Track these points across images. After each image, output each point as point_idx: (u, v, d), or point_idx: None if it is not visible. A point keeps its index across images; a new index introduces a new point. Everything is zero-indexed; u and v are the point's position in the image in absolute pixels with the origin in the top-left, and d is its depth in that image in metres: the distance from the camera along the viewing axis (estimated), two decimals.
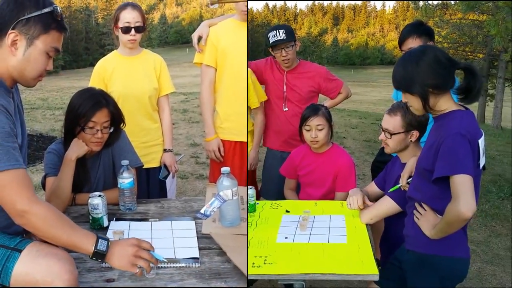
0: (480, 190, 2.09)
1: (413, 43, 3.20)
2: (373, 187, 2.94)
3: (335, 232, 2.54)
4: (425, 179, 2.18)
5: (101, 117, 2.69)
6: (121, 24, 3.39)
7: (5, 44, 1.90)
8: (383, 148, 3.50)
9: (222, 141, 3.58)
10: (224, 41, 3.40)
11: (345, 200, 2.81)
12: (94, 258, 1.88)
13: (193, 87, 18.65)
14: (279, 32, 3.52)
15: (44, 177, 2.80)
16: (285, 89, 3.69)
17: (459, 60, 2.28)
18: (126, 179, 2.64)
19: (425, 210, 2.22)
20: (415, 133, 2.66)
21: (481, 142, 2.13)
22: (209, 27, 3.49)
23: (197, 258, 2.12)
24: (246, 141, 3.55)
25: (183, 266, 2.07)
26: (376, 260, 2.26)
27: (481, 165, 2.16)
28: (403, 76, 2.16)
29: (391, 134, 2.67)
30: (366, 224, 2.64)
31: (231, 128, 3.53)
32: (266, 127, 3.87)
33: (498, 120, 20.10)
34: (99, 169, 2.87)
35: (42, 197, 3.82)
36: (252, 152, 3.73)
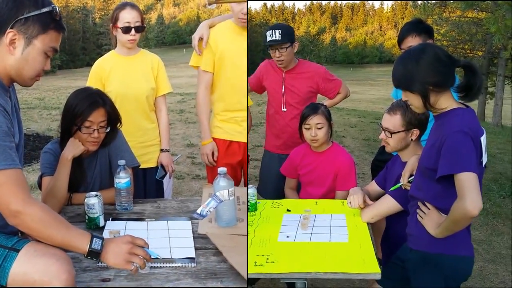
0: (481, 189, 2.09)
1: (412, 41, 3.20)
2: (373, 186, 2.94)
3: (336, 231, 2.54)
4: (428, 178, 2.18)
5: (97, 117, 2.69)
6: (120, 24, 3.39)
7: (3, 43, 1.90)
8: (383, 147, 3.49)
9: (217, 140, 3.57)
10: (222, 46, 3.38)
11: (346, 199, 2.82)
12: (89, 257, 1.87)
13: (189, 87, 18.65)
14: (275, 32, 3.52)
15: (40, 177, 2.80)
16: (283, 90, 3.68)
17: (458, 58, 2.29)
18: (123, 179, 2.64)
19: (429, 209, 2.21)
20: (416, 132, 2.66)
21: (483, 139, 2.13)
22: (209, 27, 3.48)
23: (193, 258, 2.12)
24: (240, 141, 3.53)
25: (179, 266, 2.07)
26: (378, 259, 2.26)
27: (484, 163, 2.16)
28: (403, 74, 2.16)
29: (391, 133, 2.67)
30: (367, 223, 2.65)
31: (227, 128, 3.52)
32: (266, 129, 3.87)
33: (498, 118, 20.11)
34: (96, 168, 2.87)
35: (38, 196, 3.82)
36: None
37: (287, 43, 3.54)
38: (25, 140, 8.08)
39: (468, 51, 21.86)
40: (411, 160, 2.54)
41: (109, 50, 3.69)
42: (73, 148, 2.68)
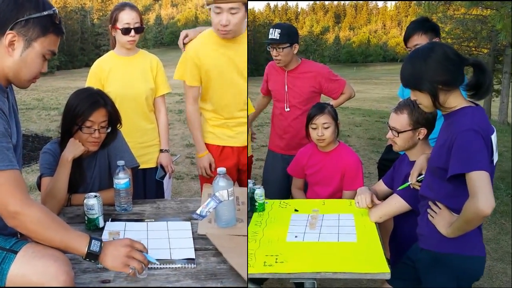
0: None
1: (418, 39, 3.19)
2: (381, 186, 2.93)
3: (344, 230, 2.55)
4: (438, 178, 2.17)
5: (98, 117, 2.68)
6: (120, 25, 3.38)
7: (1, 44, 1.89)
8: (389, 146, 3.47)
9: (210, 146, 3.54)
10: (207, 61, 3.29)
11: (353, 198, 2.82)
12: (87, 259, 1.87)
13: None
14: (275, 31, 3.52)
15: (40, 178, 2.80)
16: (286, 89, 3.67)
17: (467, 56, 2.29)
18: (122, 180, 2.63)
19: (440, 208, 2.20)
20: (423, 131, 2.65)
21: (494, 138, 2.12)
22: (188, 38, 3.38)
23: (193, 259, 2.12)
24: (233, 146, 3.50)
25: (179, 267, 2.07)
26: (386, 259, 2.24)
27: (494, 162, 2.15)
28: (412, 73, 2.16)
29: (399, 132, 2.66)
30: (375, 223, 2.65)
31: (219, 133, 3.49)
32: (270, 129, 3.87)
33: (505, 115, 19.96)
34: (95, 169, 2.86)
35: (37, 197, 3.81)
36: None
37: (286, 43, 3.53)
38: (23, 140, 8.05)
39: (473, 48, 21.72)
40: (419, 159, 2.53)
41: (107, 50, 3.68)
42: (73, 149, 2.68)
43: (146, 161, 3.47)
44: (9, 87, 2.03)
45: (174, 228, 2.47)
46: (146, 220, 2.57)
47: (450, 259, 2.21)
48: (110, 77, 3.46)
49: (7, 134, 1.85)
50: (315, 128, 3.17)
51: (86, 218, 2.45)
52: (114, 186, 2.66)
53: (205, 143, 3.54)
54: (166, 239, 2.34)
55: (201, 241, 2.32)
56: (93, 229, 2.43)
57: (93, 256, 1.86)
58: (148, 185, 3.55)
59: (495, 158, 2.15)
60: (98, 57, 3.69)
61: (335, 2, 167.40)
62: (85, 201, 2.44)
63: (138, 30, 3.41)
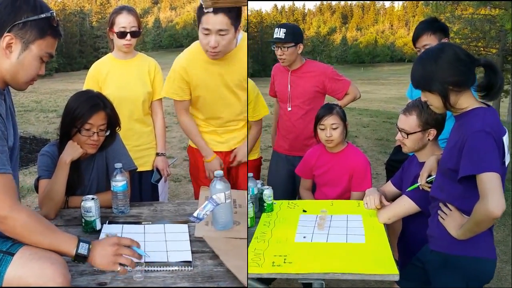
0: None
1: (427, 39, 3.18)
2: (390, 187, 2.92)
3: (353, 231, 2.54)
4: (449, 179, 2.16)
5: (98, 120, 2.69)
6: (116, 28, 3.39)
7: (0, 47, 1.89)
8: (397, 147, 3.43)
9: (196, 149, 3.53)
10: (195, 78, 3.26)
11: (361, 199, 2.81)
12: (76, 261, 1.89)
13: None
14: (280, 30, 3.53)
15: (37, 180, 2.80)
16: (289, 89, 3.67)
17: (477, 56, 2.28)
18: (120, 182, 2.64)
19: (451, 210, 2.19)
20: (433, 132, 2.63)
21: (506, 139, 2.10)
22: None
23: (190, 262, 2.12)
24: (222, 150, 3.50)
25: (175, 270, 2.07)
26: (395, 260, 2.23)
27: (506, 163, 2.13)
28: (422, 74, 2.15)
29: (408, 134, 2.64)
30: (384, 224, 2.64)
31: (207, 138, 3.48)
32: (276, 130, 3.87)
33: None
34: (93, 172, 2.87)
35: (35, 199, 3.81)
36: (239, 149, 3.56)
37: (290, 42, 3.54)
38: (21, 143, 7.97)
39: (482, 48, 21.49)
40: (429, 160, 2.52)
41: (106, 53, 3.68)
42: (72, 152, 2.68)
43: (142, 164, 3.47)
44: (6, 89, 2.03)
45: (171, 231, 2.47)
46: (143, 223, 2.57)
47: (460, 261, 2.19)
48: (107, 80, 3.46)
49: (3, 137, 1.86)
50: (323, 129, 3.15)
51: (83, 221, 2.45)
52: (112, 188, 2.66)
53: (194, 148, 3.55)
54: (163, 241, 2.34)
55: (198, 244, 2.32)
56: (90, 231, 2.43)
57: (81, 258, 1.88)
58: (144, 188, 3.55)
59: (507, 159, 2.13)
60: (96, 60, 3.68)
61: (342, 3, 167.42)
62: (82, 203, 2.44)
63: (134, 34, 3.42)
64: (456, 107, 2.13)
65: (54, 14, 1.98)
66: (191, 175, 3.75)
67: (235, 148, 3.50)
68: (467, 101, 2.12)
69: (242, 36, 3.25)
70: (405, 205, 2.60)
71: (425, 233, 2.39)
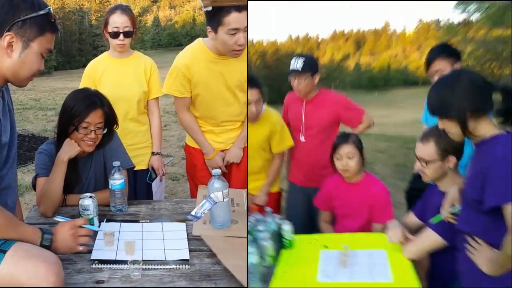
0: None
1: (440, 64, 3.14)
2: (412, 218, 2.81)
3: (378, 268, 2.39)
4: (475, 210, 2.04)
5: (95, 118, 2.69)
6: (110, 28, 3.38)
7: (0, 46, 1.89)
8: (416, 174, 3.27)
9: (192, 149, 3.55)
10: (197, 76, 3.26)
11: (383, 231, 2.70)
12: None
13: None
14: (297, 61, 3.48)
15: (35, 178, 2.80)
16: (303, 119, 3.63)
17: (494, 82, 2.18)
18: (118, 180, 2.64)
19: (479, 244, 2.06)
20: (452, 159, 2.53)
21: None
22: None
23: (187, 260, 2.13)
24: (218, 148, 3.51)
25: (173, 268, 2.08)
26: None
27: None
28: (439, 101, 2.09)
29: (427, 163, 2.55)
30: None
31: (207, 138, 3.48)
32: (289, 160, 3.80)
33: None
34: (90, 170, 2.87)
35: (33, 197, 3.81)
36: (260, 193, 3.61)
37: (308, 72, 3.49)
38: (20, 141, 7.94)
39: (495, 69, 21.54)
40: (451, 190, 2.40)
41: (105, 51, 3.68)
42: (69, 150, 2.68)
43: (137, 163, 3.43)
44: (4, 87, 2.03)
45: (169, 229, 2.47)
46: (141, 221, 2.57)
47: None
48: (103, 79, 3.46)
49: None
50: (339, 159, 3.06)
51: None
52: (110, 186, 2.66)
53: (191, 147, 3.56)
54: (161, 240, 2.35)
55: (195, 242, 2.33)
56: None
57: (45, 248, 1.96)
58: (139, 187, 3.53)
59: None
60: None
61: (355, 30, 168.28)
62: (80, 201, 2.44)
63: (127, 34, 3.40)
64: (475, 134, 2.05)
65: (52, 9, 1.98)
66: (188, 174, 3.74)
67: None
68: (486, 128, 2.04)
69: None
70: (431, 240, 2.45)
71: (454, 268, 2.27)
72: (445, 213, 2.34)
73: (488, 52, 19.82)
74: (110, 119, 2.79)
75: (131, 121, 3.51)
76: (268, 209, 2.76)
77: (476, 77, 2.08)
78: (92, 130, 2.68)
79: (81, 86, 3.34)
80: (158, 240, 2.34)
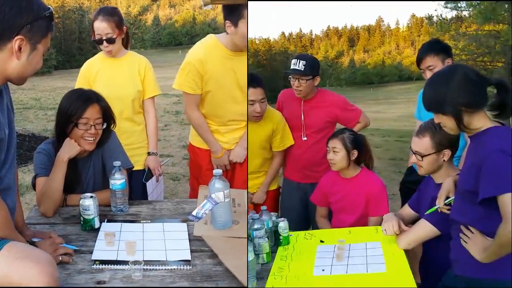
0: None
1: (431, 61, 3.21)
2: (407, 210, 2.84)
3: (373, 260, 2.44)
4: (469, 201, 2.10)
5: (93, 113, 2.68)
6: (95, 34, 3.39)
7: (6, 48, 1.87)
8: (410, 168, 3.41)
9: (197, 148, 3.57)
10: (211, 72, 3.28)
11: (379, 225, 2.75)
12: None
13: None
14: (299, 62, 3.49)
15: (34, 178, 2.79)
16: (303, 119, 3.65)
17: (489, 76, 2.21)
18: (118, 181, 2.63)
19: (473, 233, 2.12)
20: (447, 152, 2.59)
21: None
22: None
23: (189, 261, 2.12)
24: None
25: (174, 269, 2.07)
26: (417, 284, 2.16)
27: None
28: (434, 97, 2.13)
29: (422, 156, 2.60)
30: (404, 249, 2.55)
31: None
32: (285, 157, 3.80)
33: None
34: (89, 170, 2.86)
35: (33, 197, 3.80)
36: (258, 191, 3.66)
37: (309, 75, 3.50)
38: (20, 140, 7.95)
39: (488, 63, 21.70)
40: (446, 182, 2.46)
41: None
42: (69, 149, 2.67)
43: (133, 163, 3.44)
44: (4, 86, 2.02)
45: (170, 230, 2.46)
46: (142, 221, 2.56)
47: (487, 285, 2.10)
48: (97, 79, 3.46)
49: None
50: (328, 152, 3.14)
51: (81, 219, 2.44)
52: (110, 186, 2.65)
53: (196, 147, 3.57)
54: (162, 240, 2.34)
55: (197, 243, 2.32)
56: (89, 229, 2.43)
57: None
58: (134, 188, 3.49)
59: None
60: None
61: (348, 26, 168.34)
62: (81, 201, 2.43)
63: (110, 41, 3.38)
64: (470, 128, 2.10)
65: (52, 9, 1.99)
66: (191, 173, 3.74)
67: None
68: (481, 121, 2.09)
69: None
70: (425, 229, 2.52)
71: (446, 256, 2.33)
72: (441, 203, 2.40)
73: (480, 47, 20.01)
74: (108, 115, 2.79)
75: (126, 121, 3.49)
76: (263, 207, 2.82)
77: (470, 71, 2.11)
78: (92, 125, 2.67)
79: (76, 86, 3.35)
80: (159, 241, 2.33)
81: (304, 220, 3.70)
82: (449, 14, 19.65)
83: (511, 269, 2.08)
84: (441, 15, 19.68)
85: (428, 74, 3.15)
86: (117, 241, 2.29)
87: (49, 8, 1.94)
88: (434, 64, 3.18)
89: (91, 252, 2.19)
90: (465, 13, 19.55)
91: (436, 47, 3.28)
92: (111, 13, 3.42)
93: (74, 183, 2.77)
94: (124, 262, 2.08)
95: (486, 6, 12.48)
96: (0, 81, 1.95)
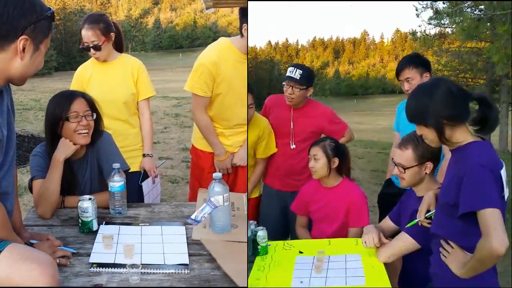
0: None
1: (409, 73, 3.27)
2: (388, 223, 2.83)
3: (352, 273, 2.41)
4: (449, 215, 2.11)
5: (81, 105, 2.70)
6: (83, 42, 3.42)
7: (10, 48, 1.87)
8: (388, 180, 3.43)
9: (200, 151, 3.58)
10: (224, 75, 3.32)
11: (359, 236, 2.73)
12: None
13: (185, 91, 18.55)
14: (296, 71, 3.50)
15: (31, 180, 2.78)
16: (292, 126, 3.65)
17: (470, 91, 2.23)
18: (117, 183, 2.62)
19: (452, 247, 2.13)
20: (429, 165, 2.60)
21: (503, 172, 2.07)
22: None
23: (187, 265, 2.11)
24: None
25: (172, 272, 2.06)
26: None
27: (505, 197, 2.09)
28: (417, 109, 2.15)
29: (405, 169, 2.60)
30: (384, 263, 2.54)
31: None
32: (267, 164, 3.79)
33: (505, 144, 20.08)
34: (86, 172, 2.85)
35: (31, 198, 3.78)
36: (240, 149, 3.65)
37: (304, 85, 3.51)
38: (20, 141, 7.95)
39: (470, 79, 21.99)
40: (427, 195, 2.46)
41: None
42: (65, 149, 2.66)
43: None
44: (5, 87, 2.02)
45: (168, 233, 2.45)
46: (140, 224, 2.55)
47: None
48: (91, 83, 3.48)
49: None
50: (310, 159, 3.16)
51: (80, 221, 2.43)
52: (109, 189, 2.64)
53: (199, 150, 3.58)
54: (160, 243, 2.33)
55: (195, 247, 2.31)
56: (87, 232, 2.42)
57: None
58: (130, 190, 3.49)
59: (506, 193, 2.09)
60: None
61: (334, 38, 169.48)
62: (79, 203, 2.42)
63: (96, 48, 3.40)
64: (452, 141, 2.12)
65: (53, 10, 1.99)
66: (192, 176, 3.74)
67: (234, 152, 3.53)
68: (463, 135, 2.11)
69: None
70: (405, 243, 2.50)
71: (426, 270, 2.32)
72: (421, 216, 2.40)
73: (463, 63, 20.37)
74: (95, 107, 2.81)
75: (120, 123, 3.49)
76: None
77: (453, 86, 2.14)
78: (82, 116, 2.68)
79: (70, 89, 3.34)
80: (157, 244, 2.32)
81: (283, 227, 3.68)
82: (433, 30, 20.17)
83: (489, 283, 2.12)
84: (424, 31, 20.33)
85: (406, 86, 3.25)
86: (115, 244, 2.28)
87: (50, 9, 1.95)
88: (413, 76, 3.25)
89: (89, 255, 2.18)
90: (448, 30, 20.13)
91: (416, 61, 3.35)
92: (97, 21, 3.44)
93: (71, 185, 2.76)
94: (122, 265, 2.06)
95: (469, 24, 12.76)
96: (2, 81, 1.95)
